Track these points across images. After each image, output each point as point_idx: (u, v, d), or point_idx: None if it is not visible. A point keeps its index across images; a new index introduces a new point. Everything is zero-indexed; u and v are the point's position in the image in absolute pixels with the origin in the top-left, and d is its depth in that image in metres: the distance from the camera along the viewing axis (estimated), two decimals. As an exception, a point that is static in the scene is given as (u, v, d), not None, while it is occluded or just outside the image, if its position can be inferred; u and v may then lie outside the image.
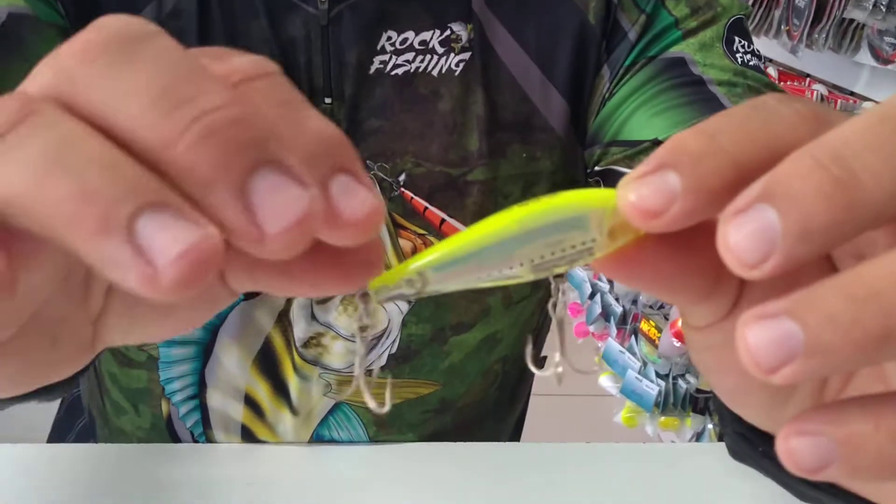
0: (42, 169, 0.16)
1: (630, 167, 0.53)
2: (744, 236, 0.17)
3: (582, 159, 0.58)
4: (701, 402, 1.60)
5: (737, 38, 0.54)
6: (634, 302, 1.70)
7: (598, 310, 1.78)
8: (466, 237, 0.20)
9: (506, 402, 0.71)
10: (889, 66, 1.24)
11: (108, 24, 0.18)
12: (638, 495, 0.56)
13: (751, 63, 0.54)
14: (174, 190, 0.16)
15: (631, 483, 0.57)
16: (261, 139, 0.16)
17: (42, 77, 0.17)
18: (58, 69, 0.17)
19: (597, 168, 0.56)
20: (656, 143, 0.52)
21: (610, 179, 0.55)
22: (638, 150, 0.53)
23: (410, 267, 0.20)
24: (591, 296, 1.84)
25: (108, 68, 0.17)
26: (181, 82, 0.16)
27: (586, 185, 0.60)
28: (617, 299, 1.74)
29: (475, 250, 0.19)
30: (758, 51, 0.56)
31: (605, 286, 1.80)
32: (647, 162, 0.19)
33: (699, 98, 0.51)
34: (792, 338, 0.16)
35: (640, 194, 0.18)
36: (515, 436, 0.77)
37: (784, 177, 0.17)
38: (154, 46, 0.17)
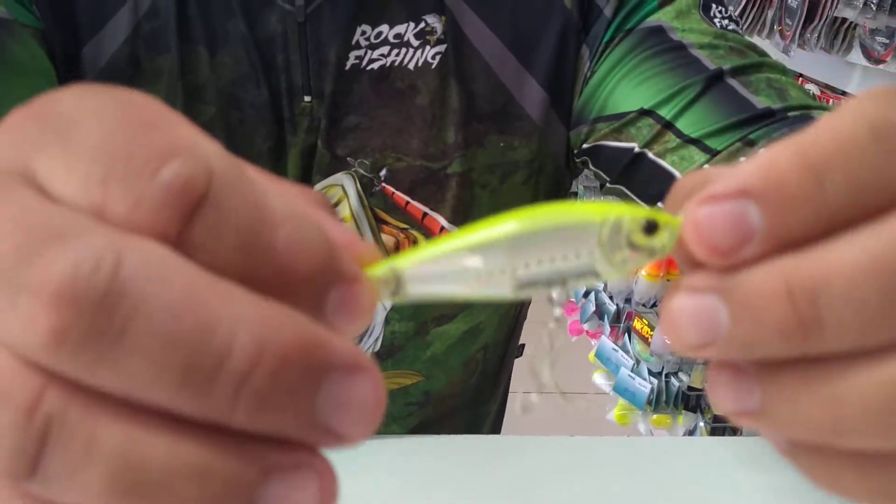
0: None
1: (618, 140, 0.53)
2: (687, 314, 0.16)
3: (566, 143, 0.58)
4: (693, 400, 1.60)
5: (713, 4, 0.54)
6: (628, 300, 1.70)
7: (592, 308, 1.79)
8: (448, 240, 0.18)
9: (487, 388, 0.71)
10: (881, 66, 1.24)
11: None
12: (621, 488, 0.56)
13: (729, 27, 0.54)
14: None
15: (615, 476, 0.57)
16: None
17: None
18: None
19: (584, 146, 0.56)
20: (642, 112, 0.52)
21: (597, 155, 0.55)
22: (624, 122, 0.53)
23: (386, 265, 0.18)
24: (585, 294, 1.85)
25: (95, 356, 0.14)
26: (199, 351, 0.14)
27: (568, 169, 0.60)
28: (611, 297, 1.75)
29: (454, 252, 0.18)
30: (735, 16, 0.56)
31: (598, 285, 1.81)
32: (730, 180, 0.16)
33: (681, 63, 0.51)
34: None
35: (712, 223, 0.16)
36: (498, 422, 0.77)
37: (750, 289, 0.16)
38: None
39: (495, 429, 0.77)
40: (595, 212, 0.17)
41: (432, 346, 0.62)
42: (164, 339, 0.13)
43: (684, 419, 1.61)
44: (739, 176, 0.16)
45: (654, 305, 1.66)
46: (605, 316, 1.75)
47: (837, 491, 0.17)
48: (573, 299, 1.91)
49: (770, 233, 0.16)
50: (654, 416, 1.61)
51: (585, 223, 0.17)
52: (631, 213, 0.17)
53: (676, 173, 0.51)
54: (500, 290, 0.18)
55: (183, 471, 0.14)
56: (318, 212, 0.18)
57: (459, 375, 0.66)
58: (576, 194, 2.74)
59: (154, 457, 0.14)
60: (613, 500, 0.54)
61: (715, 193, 0.16)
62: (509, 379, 0.76)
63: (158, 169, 0.15)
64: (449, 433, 0.65)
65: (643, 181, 0.53)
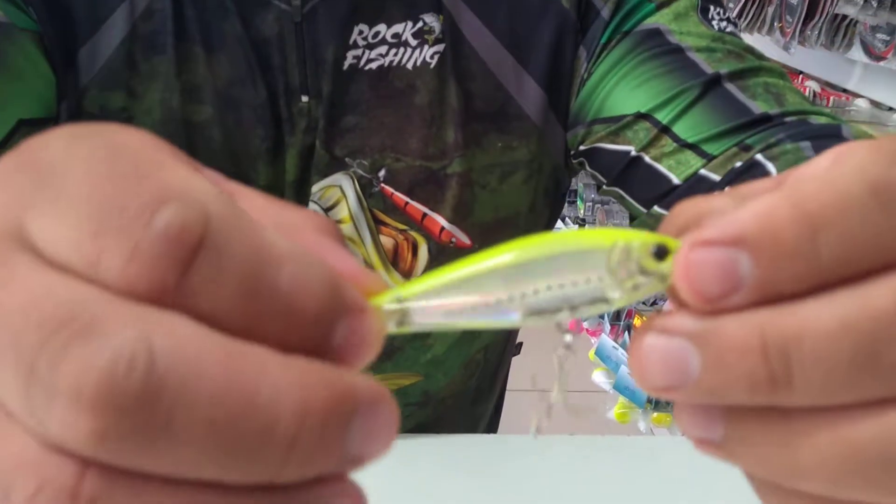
0: None
1: (614, 143, 0.53)
2: (657, 355, 0.16)
3: (563, 144, 0.58)
4: (693, 398, 1.60)
5: (711, 6, 0.54)
6: (628, 298, 1.70)
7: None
8: (453, 268, 0.17)
9: (486, 388, 0.71)
10: (881, 63, 1.24)
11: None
12: (621, 487, 0.56)
13: (727, 30, 0.54)
14: None
15: (615, 475, 0.57)
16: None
17: None
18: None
19: (581, 148, 0.56)
20: (639, 115, 0.52)
21: (594, 157, 0.55)
22: (621, 125, 0.53)
23: (391, 295, 0.18)
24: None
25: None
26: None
27: (567, 169, 0.60)
28: (611, 295, 1.75)
29: (461, 281, 0.17)
30: (734, 18, 0.56)
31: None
32: (725, 227, 0.16)
33: (679, 66, 0.51)
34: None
35: (702, 269, 0.16)
36: (495, 419, 0.77)
37: (726, 339, 0.16)
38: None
39: (491, 427, 0.77)
40: (604, 237, 0.17)
41: (433, 348, 0.62)
42: (209, 424, 0.14)
43: (684, 417, 1.60)
44: (735, 221, 0.16)
45: (654, 303, 1.66)
46: (605, 314, 1.75)
47: None
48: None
49: (758, 285, 0.15)
50: (655, 415, 1.61)
51: (594, 248, 0.17)
52: (640, 237, 0.17)
53: (673, 178, 0.51)
54: (508, 317, 0.17)
55: None
56: (323, 240, 0.18)
57: (459, 376, 0.66)
58: (575, 192, 2.74)
59: None
60: (613, 499, 0.54)
61: (709, 238, 0.16)
62: (506, 377, 0.76)
63: (151, 218, 0.14)
64: (447, 433, 0.65)
65: (639, 184, 0.53)
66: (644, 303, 1.64)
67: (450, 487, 0.55)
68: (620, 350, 1.67)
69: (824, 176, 0.16)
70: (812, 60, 1.53)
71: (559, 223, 2.67)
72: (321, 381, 0.14)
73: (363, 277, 0.17)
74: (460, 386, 0.67)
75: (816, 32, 1.32)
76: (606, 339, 1.71)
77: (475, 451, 0.60)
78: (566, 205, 2.80)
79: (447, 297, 0.17)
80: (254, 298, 0.15)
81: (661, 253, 0.17)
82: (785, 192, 0.16)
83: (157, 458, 0.14)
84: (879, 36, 1.24)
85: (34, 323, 0.14)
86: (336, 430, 0.14)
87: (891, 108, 1.43)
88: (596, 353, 1.72)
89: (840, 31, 1.33)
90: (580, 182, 2.62)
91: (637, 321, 1.65)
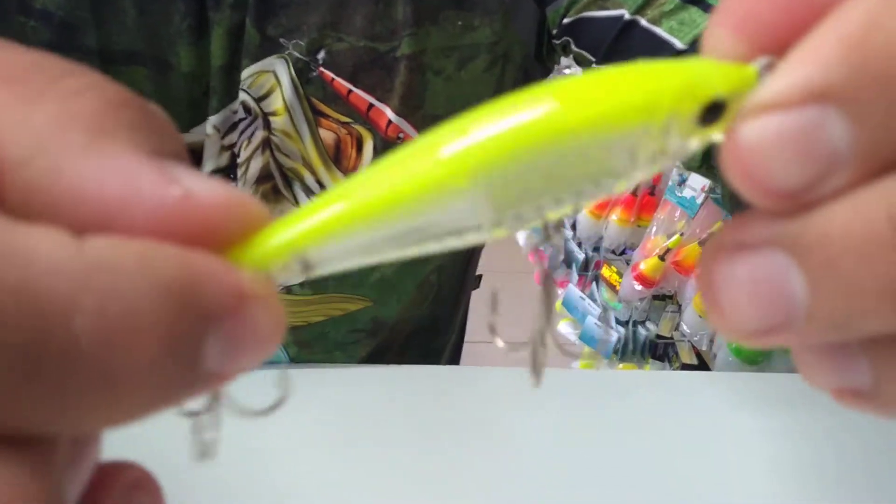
0: None
1: (604, 8, 0.46)
2: (741, 285, 0.11)
3: (537, 27, 0.51)
4: (660, 349, 1.57)
5: None
6: (596, 249, 1.66)
7: (561, 256, 1.74)
8: (375, 193, 0.12)
9: (444, 317, 0.66)
10: None
11: None
12: (584, 421, 0.52)
13: None
14: None
15: (579, 408, 0.53)
16: None
17: None
18: None
19: (564, 22, 0.49)
20: None
21: (580, 31, 0.48)
22: None
23: (284, 243, 0.12)
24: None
25: None
26: None
27: (539, 61, 0.52)
28: (580, 245, 1.70)
29: (392, 216, 0.12)
30: None
31: (568, 232, 1.76)
32: (791, 68, 0.10)
33: None
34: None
35: (766, 156, 0.10)
36: (456, 353, 0.72)
37: (836, 236, 0.10)
38: None
39: (453, 360, 0.72)
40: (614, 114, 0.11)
41: (380, 267, 0.56)
42: None
43: (651, 368, 1.58)
44: (806, 62, 0.10)
45: (622, 252, 1.62)
46: (574, 264, 1.71)
47: None
48: (541, 247, 1.86)
49: (862, 149, 0.10)
50: (620, 365, 1.59)
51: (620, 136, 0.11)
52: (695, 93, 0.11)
53: (676, 42, 0.44)
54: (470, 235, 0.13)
55: None
56: (130, 156, 0.11)
57: (414, 300, 0.60)
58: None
59: None
60: (577, 432, 0.50)
61: (768, 101, 0.10)
62: (467, 309, 0.71)
63: None
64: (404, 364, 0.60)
65: (635, 55, 0.46)
66: (613, 251, 1.60)
67: (405, 420, 0.50)
68: (587, 300, 1.63)
69: None
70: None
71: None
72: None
73: (233, 205, 0.11)
74: (415, 310, 0.61)
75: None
76: (573, 290, 1.67)
77: (434, 382, 0.55)
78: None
79: (365, 242, 0.12)
80: (34, 382, 0.09)
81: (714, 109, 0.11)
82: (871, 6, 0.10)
83: None
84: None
85: None
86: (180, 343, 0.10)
87: None
88: (563, 304, 1.68)
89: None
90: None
91: (605, 271, 1.61)
